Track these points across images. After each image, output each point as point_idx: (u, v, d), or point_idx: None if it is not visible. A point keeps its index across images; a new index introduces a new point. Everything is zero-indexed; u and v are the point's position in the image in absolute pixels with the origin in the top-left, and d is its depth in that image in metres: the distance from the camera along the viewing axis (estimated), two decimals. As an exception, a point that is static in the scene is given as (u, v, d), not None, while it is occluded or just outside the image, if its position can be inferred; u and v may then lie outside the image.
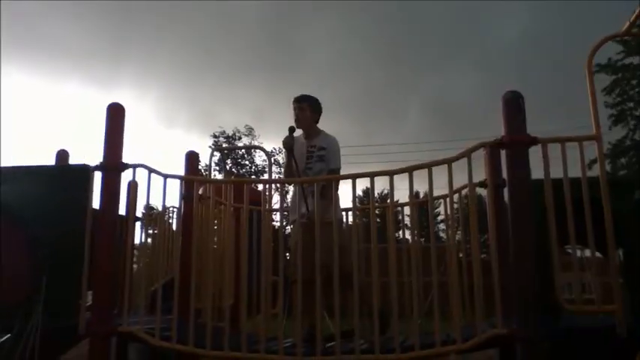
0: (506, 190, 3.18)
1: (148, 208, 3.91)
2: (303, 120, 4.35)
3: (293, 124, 4.33)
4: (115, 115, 3.54)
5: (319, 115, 4.44)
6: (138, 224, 4.56)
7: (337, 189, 3.89)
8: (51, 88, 72.04)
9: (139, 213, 3.99)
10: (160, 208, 4.50)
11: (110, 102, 3.56)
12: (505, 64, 70.94)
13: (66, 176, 3.61)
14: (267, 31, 68.53)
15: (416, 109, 77.15)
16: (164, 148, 62.94)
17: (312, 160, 4.26)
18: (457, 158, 3.16)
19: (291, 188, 4.15)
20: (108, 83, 69.79)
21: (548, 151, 3.07)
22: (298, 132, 4.39)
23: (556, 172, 3.09)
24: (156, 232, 5.20)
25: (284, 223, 3.93)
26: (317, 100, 4.45)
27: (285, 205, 4.05)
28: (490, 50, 72.53)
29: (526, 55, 72.68)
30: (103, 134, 3.49)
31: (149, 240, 5.17)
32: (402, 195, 3.80)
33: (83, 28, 67.19)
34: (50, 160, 4.56)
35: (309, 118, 4.35)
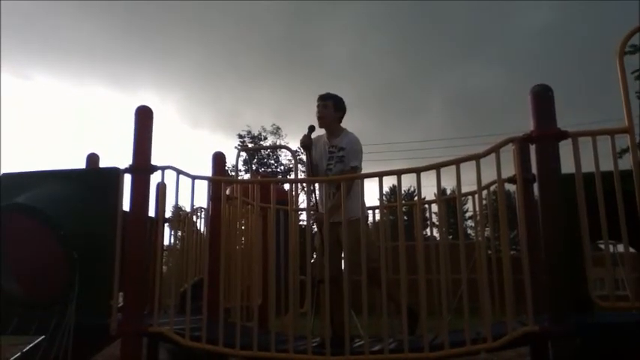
0: (535, 186, 3.13)
1: (177, 209, 3.96)
2: (326, 117, 4.29)
3: (314, 123, 4.30)
4: (143, 117, 3.58)
5: (343, 113, 4.39)
6: (167, 225, 4.63)
7: (362, 187, 3.86)
8: (77, 92, 73.50)
9: (168, 214, 4.04)
10: (189, 209, 4.55)
11: (138, 105, 3.62)
12: (528, 56, 70.03)
13: (97, 179, 3.66)
14: (286, 29, 68.81)
15: (437, 104, 76.55)
16: (189, 148, 63.76)
17: (333, 161, 4.21)
18: (485, 154, 3.12)
19: (316, 187, 4.12)
20: (131, 85, 71.06)
21: (578, 145, 3.01)
22: (321, 131, 4.37)
23: (585, 167, 3.03)
24: (184, 233, 5.25)
25: (311, 223, 3.93)
26: (341, 98, 4.40)
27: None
28: (513, 42, 71.58)
29: (549, 46, 71.63)
30: (132, 137, 3.54)
31: (178, 241, 5.23)
32: (428, 192, 3.77)
33: (104, 30, 68.23)
34: (81, 164, 4.66)
35: (331, 116, 4.30)
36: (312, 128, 4.27)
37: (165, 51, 68.04)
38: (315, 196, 3.99)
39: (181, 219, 5.32)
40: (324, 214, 3.72)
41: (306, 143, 4.24)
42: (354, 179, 3.82)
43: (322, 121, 4.30)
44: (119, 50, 70.84)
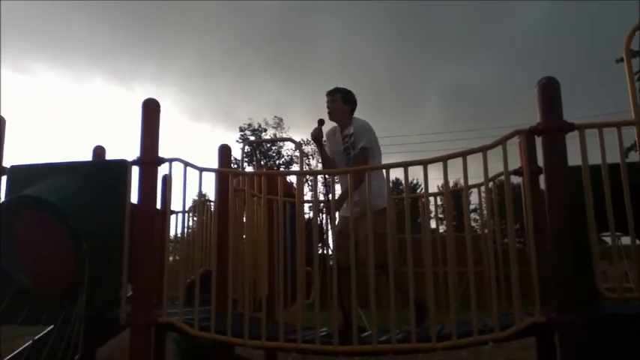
0: (542, 178, 3.14)
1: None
2: (335, 111, 4.35)
3: (323, 117, 4.34)
4: (151, 110, 3.60)
5: (353, 105, 4.42)
6: (173, 217, 4.66)
7: (378, 176, 3.88)
8: (75, 85, 73.48)
9: (176, 206, 4.07)
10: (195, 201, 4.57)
11: (145, 98, 3.63)
12: (527, 50, 69.75)
13: (105, 171, 3.68)
14: (283, 24, 68.45)
15: (434, 98, 76.24)
16: (189, 142, 63.77)
17: (349, 150, 4.26)
18: (492, 146, 3.12)
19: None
20: (128, 79, 70.84)
21: (584, 137, 3.02)
22: (331, 124, 4.41)
23: (592, 159, 3.04)
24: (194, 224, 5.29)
25: (319, 214, 3.96)
26: (349, 91, 4.44)
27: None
28: (512, 36, 71.19)
29: (550, 40, 71.32)
30: (140, 129, 3.55)
31: (190, 230, 5.26)
32: (431, 185, 3.76)
33: (103, 23, 68.07)
34: (87, 157, 4.67)
35: (340, 110, 4.35)
36: (321, 122, 4.31)
37: (164, 45, 67.96)
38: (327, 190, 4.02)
39: (188, 211, 5.34)
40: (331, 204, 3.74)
41: (317, 136, 4.29)
42: (360, 171, 3.83)
43: (332, 115, 4.36)
44: (118, 44, 70.73)
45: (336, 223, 4.07)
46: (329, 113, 4.36)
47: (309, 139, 4.44)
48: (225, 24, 66.21)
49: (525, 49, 69.30)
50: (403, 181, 3.32)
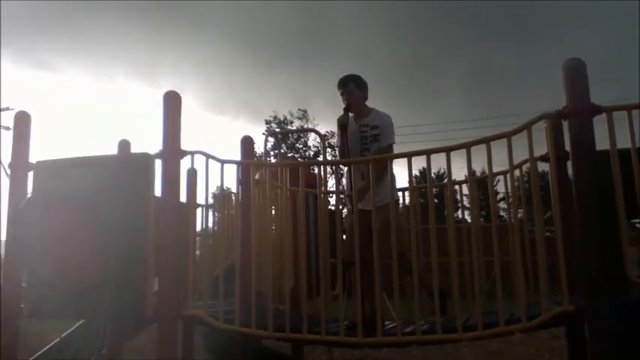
0: (569, 164, 3.06)
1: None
2: (355, 103, 4.23)
3: (340, 112, 4.21)
4: (172, 103, 3.60)
5: (367, 90, 4.31)
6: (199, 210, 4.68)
7: (391, 168, 3.80)
8: (97, 81, 74.60)
9: (200, 199, 4.08)
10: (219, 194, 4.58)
11: (166, 91, 3.64)
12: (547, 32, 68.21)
13: (129, 165, 3.69)
14: (299, 12, 67.98)
15: (453, 86, 74.95)
16: (213, 136, 64.24)
17: (368, 140, 4.15)
18: (517, 131, 3.05)
19: (345, 169, 4.08)
20: (150, 74, 71.55)
21: (612, 120, 2.93)
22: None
23: (620, 143, 2.95)
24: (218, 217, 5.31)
25: (340, 206, 3.91)
26: (359, 76, 4.31)
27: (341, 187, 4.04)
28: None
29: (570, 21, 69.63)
30: (162, 122, 3.56)
31: (216, 224, 5.28)
32: (457, 174, 3.72)
33: (122, 20, 68.74)
34: (112, 151, 4.71)
35: (359, 98, 4.25)
36: (348, 108, 4.22)
37: (183, 40, 68.24)
38: (349, 179, 3.95)
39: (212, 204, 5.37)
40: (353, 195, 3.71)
41: (344, 122, 4.16)
42: (381, 160, 3.77)
43: (352, 107, 4.23)
44: (139, 40, 71.48)
45: (350, 216, 3.98)
46: (349, 106, 4.21)
47: (333, 130, 4.38)
48: (241, 19, 65.86)
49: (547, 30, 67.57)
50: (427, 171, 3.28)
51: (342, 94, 4.26)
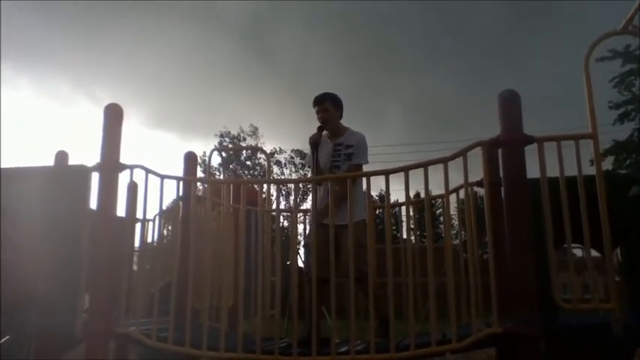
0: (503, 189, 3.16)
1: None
2: (330, 120, 4.24)
3: (313, 129, 4.23)
4: (113, 115, 3.54)
5: (342, 109, 4.34)
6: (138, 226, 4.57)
7: (360, 186, 3.86)
8: (43, 94, 72.21)
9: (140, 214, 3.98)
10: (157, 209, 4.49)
11: (107, 103, 3.57)
12: (490, 62, 70.95)
13: (64, 177, 3.59)
14: (242, 34, 68.17)
15: (396, 111, 76.83)
16: (159, 152, 63.20)
17: (340, 159, 4.17)
18: (453, 157, 3.15)
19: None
20: (91, 87, 70.01)
21: (544, 150, 3.06)
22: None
23: (552, 172, 3.09)
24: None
25: (285, 224, 3.91)
26: (335, 95, 4.33)
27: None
28: (474, 48, 72.37)
29: (514, 52, 72.67)
30: (101, 135, 3.49)
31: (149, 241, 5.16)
32: (399, 195, 3.80)
33: (64, 30, 67.23)
34: (49, 162, 4.56)
35: (334, 117, 4.27)
36: (321, 128, 4.23)
37: (124, 55, 67.16)
38: (314, 196, 3.92)
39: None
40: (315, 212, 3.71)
41: (317, 140, 4.16)
42: (343, 178, 3.74)
43: (328, 124, 4.25)
44: (79, 54, 69.81)
45: (309, 232, 3.97)
46: (324, 124, 4.22)
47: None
48: (187, 32, 65.33)
49: (489, 60, 70.36)
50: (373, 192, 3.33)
51: (317, 112, 4.27)
